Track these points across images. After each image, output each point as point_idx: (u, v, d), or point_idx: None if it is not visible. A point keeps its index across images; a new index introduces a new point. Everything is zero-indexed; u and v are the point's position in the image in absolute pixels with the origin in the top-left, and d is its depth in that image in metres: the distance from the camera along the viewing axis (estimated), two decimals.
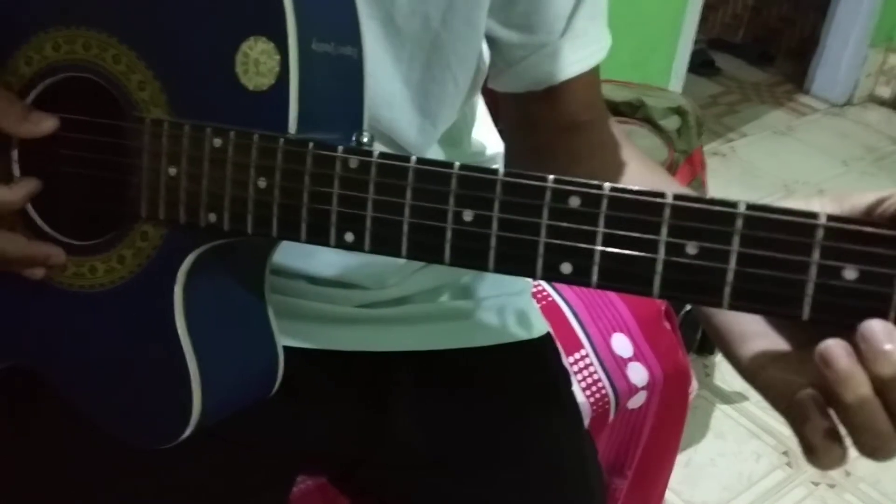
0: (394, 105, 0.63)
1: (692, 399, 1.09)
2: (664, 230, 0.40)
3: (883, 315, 0.37)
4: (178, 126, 0.50)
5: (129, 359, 0.55)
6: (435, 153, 0.69)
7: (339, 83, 0.52)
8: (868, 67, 2.96)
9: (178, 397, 0.53)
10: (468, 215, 0.44)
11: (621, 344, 0.94)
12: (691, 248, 0.40)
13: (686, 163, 1.62)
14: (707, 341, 1.76)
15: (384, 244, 0.46)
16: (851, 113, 2.96)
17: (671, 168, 1.57)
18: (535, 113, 0.69)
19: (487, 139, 0.77)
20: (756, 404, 1.69)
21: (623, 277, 0.41)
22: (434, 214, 0.44)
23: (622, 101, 1.60)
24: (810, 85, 3.04)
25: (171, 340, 0.52)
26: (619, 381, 0.91)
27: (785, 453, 1.60)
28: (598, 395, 0.89)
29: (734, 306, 0.39)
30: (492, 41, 0.65)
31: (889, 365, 0.36)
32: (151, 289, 0.53)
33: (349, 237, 0.47)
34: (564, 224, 0.42)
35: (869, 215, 0.40)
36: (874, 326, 0.36)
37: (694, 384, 1.10)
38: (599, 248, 0.41)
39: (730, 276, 0.39)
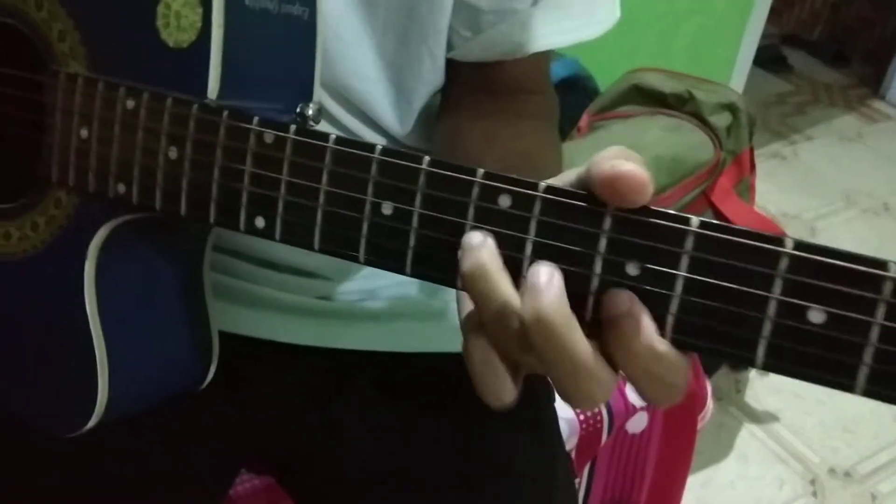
0: (367, 77, 0.57)
1: (706, 422, 1.01)
2: (602, 244, 0.33)
3: (852, 371, 0.29)
4: (91, 83, 0.45)
5: (34, 336, 0.50)
6: (413, 142, 0.62)
7: (281, 46, 0.46)
8: None
9: (82, 383, 0.48)
10: (387, 208, 0.38)
11: None
12: (632, 268, 0.33)
13: (734, 163, 1.52)
14: None
15: (295, 233, 0.40)
16: None
17: (717, 168, 1.47)
18: (495, 80, 0.60)
19: None
20: (787, 427, 1.58)
21: None
22: (351, 204, 0.38)
23: (670, 92, 1.50)
24: (886, 90, 2.87)
25: (79, 320, 0.47)
26: (613, 399, 0.84)
27: (812, 482, 1.49)
28: (588, 413, 0.82)
29: (676, 341, 0.33)
30: (459, 7, 0.58)
31: None
32: (62, 262, 0.48)
33: (260, 222, 0.41)
34: (491, 227, 0.35)
35: (583, 185, 0.34)
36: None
37: (709, 405, 1.02)
38: (529, 258, 0.35)
39: (674, 306, 0.32)
